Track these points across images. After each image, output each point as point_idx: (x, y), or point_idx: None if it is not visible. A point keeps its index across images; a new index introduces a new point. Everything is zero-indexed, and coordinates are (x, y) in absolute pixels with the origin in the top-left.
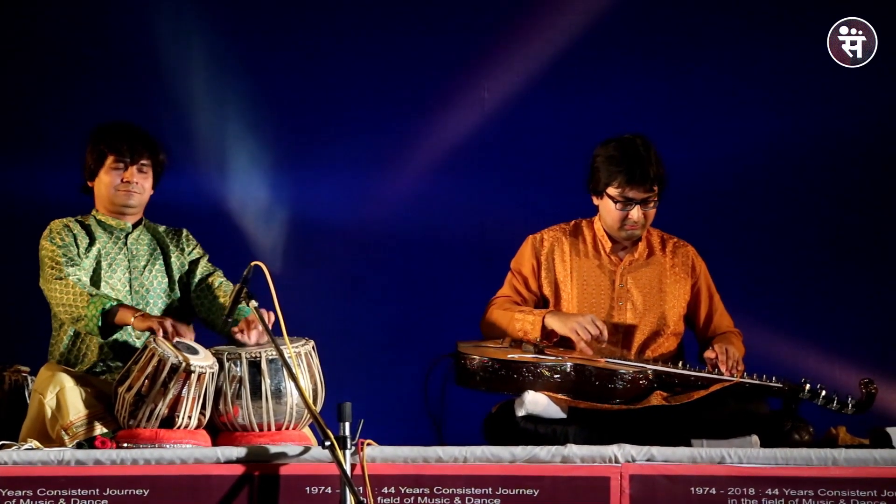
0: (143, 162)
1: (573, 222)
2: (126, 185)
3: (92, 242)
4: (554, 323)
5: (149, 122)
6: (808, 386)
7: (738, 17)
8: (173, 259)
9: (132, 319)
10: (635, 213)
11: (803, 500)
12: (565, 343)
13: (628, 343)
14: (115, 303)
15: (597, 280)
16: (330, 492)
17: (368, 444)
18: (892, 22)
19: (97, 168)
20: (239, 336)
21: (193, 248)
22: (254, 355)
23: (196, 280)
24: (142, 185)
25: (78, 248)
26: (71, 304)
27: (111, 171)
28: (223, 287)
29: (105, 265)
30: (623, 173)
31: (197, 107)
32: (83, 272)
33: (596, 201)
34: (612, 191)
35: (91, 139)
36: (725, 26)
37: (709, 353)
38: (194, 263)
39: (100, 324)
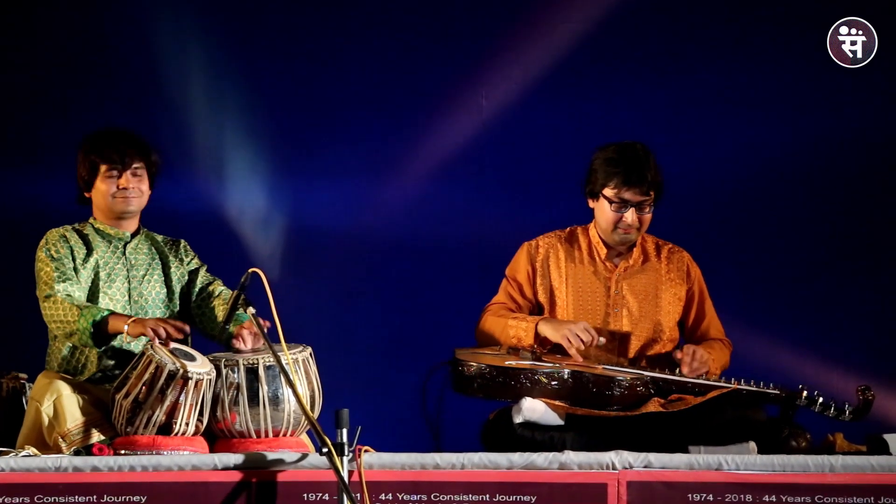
0: (136, 166)
1: (568, 229)
2: (123, 192)
3: (90, 252)
4: (547, 330)
5: (147, 129)
6: (805, 393)
7: (736, 21)
8: (173, 269)
9: (125, 327)
10: (630, 215)
11: None
12: (562, 350)
13: (624, 349)
14: (105, 313)
15: (592, 287)
16: (327, 498)
17: (366, 451)
18: (892, 22)
19: (92, 178)
20: (236, 343)
21: (192, 259)
22: (251, 362)
23: (196, 290)
24: (138, 188)
25: (74, 259)
26: (62, 319)
27: (106, 180)
28: (223, 296)
29: (104, 275)
30: (620, 174)
31: (195, 114)
32: (76, 286)
33: (591, 204)
34: (608, 192)
35: (81, 150)
36: (724, 30)
37: (676, 353)
38: (194, 274)
39: (92, 335)
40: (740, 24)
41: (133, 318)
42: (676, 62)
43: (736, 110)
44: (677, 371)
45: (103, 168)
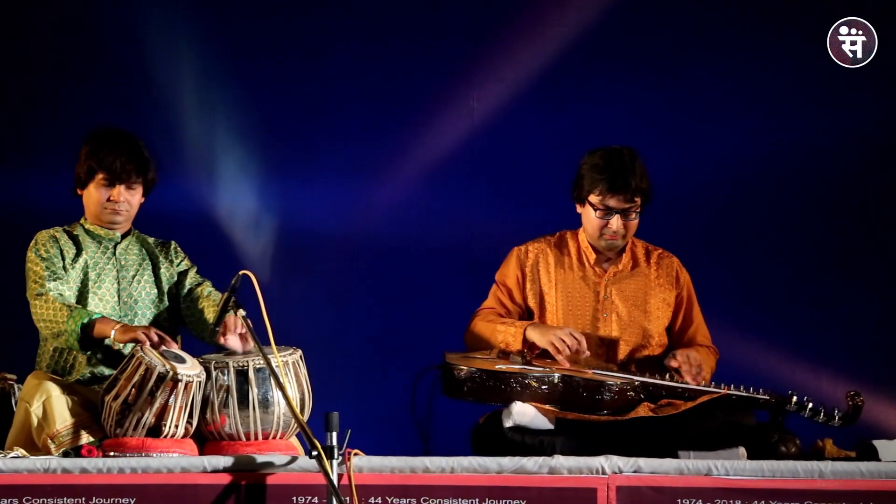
0: (132, 181)
1: (558, 234)
2: (113, 204)
3: (79, 253)
4: (534, 335)
5: (138, 129)
6: (794, 398)
7: (735, 20)
8: (162, 270)
9: (112, 332)
10: (615, 222)
11: None
12: (551, 354)
13: (614, 354)
14: (95, 316)
15: (581, 292)
16: (317, 501)
17: (355, 454)
18: (892, 22)
19: (87, 180)
20: (221, 341)
21: (182, 260)
22: (241, 364)
23: (185, 290)
24: (129, 202)
25: (64, 259)
26: (51, 319)
27: (100, 188)
28: (212, 297)
29: (93, 276)
30: (605, 181)
31: (186, 115)
32: (67, 286)
33: (579, 209)
34: (593, 198)
35: (85, 147)
36: (722, 30)
37: (669, 361)
38: (183, 275)
39: (79, 338)
40: (739, 24)
41: (121, 325)
42: (672, 63)
43: (734, 111)
44: (668, 376)
45: (99, 175)
